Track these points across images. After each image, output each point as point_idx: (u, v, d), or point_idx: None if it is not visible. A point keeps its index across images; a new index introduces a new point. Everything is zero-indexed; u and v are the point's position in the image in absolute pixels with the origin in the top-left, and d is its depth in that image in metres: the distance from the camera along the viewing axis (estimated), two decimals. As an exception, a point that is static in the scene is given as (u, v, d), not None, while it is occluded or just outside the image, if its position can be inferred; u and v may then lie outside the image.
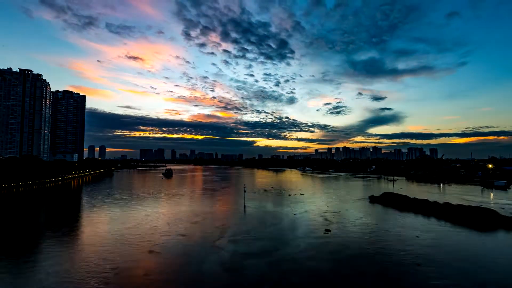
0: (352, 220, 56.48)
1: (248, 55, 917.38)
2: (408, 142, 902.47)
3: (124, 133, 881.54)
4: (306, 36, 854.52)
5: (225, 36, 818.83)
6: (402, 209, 68.32)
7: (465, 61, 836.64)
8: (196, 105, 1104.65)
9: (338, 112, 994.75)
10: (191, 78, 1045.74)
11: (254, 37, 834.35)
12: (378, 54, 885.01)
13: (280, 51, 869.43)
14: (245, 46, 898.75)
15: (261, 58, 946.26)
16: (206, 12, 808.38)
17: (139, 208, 70.35)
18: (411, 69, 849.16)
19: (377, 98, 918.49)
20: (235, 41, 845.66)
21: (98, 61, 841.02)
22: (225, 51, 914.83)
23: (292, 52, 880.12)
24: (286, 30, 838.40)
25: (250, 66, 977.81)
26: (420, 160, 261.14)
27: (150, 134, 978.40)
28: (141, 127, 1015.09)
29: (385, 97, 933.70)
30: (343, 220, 56.72)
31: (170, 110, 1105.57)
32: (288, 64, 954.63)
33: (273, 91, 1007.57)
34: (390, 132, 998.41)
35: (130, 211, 66.33)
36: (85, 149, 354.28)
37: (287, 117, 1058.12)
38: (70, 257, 34.60)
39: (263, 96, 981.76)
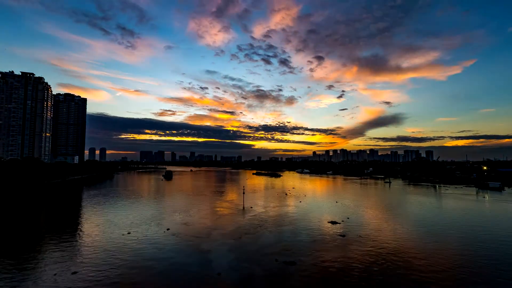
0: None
1: (254, 70, 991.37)
2: (405, 145, 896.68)
3: (127, 136, 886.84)
4: (305, 55, 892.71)
5: (233, 57, 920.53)
6: (260, 175, 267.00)
7: (473, 58, 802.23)
8: (195, 108, 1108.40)
9: (337, 115, 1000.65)
10: (192, 79, 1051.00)
11: (259, 57, 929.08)
12: (382, 50, 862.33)
13: (282, 68, 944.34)
14: (251, 64, 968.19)
15: (264, 72, 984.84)
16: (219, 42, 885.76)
17: (138, 211, 71.18)
18: (415, 66, 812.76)
19: (375, 101, 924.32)
20: (241, 61, 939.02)
21: (90, 59, 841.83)
22: (233, 69, 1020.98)
23: (293, 68, 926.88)
24: (286, 52, 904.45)
25: (254, 80, 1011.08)
26: (416, 162, 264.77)
27: (150, 137, 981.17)
28: (142, 130, 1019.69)
29: (384, 100, 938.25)
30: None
31: (166, 110, 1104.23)
32: (286, 77, 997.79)
33: (272, 90, 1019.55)
34: (388, 134, 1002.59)
35: (129, 213, 68.09)
36: (86, 151, 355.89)
37: (288, 122, 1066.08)
38: (69, 259, 35.35)
39: (263, 97, 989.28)
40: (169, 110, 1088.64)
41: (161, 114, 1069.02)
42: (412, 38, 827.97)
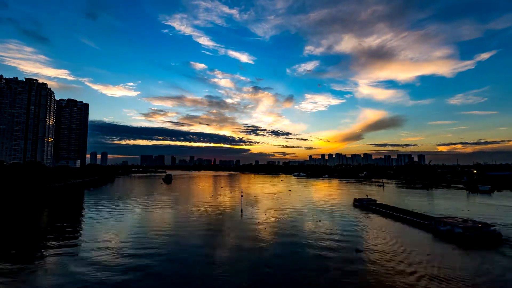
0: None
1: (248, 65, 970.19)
2: (398, 150, 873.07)
3: (126, 141, 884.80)
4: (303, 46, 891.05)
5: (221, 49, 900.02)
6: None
7: (492, 50, 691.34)
8: (188, 108, 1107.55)
9: (336, 117, 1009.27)
10: (179, 75, 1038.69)
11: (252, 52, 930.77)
12: (391, 38, 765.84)
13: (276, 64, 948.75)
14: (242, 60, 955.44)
15: (258, 68, 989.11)
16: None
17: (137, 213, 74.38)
18: (425, 60, 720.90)
19: (376, 102, 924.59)
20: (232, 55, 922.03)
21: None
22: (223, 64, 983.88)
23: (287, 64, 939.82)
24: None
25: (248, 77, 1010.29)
26: (409, 166, 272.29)
27: (150, 142, 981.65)
28: (143, 135, 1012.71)
29: (385, 102, 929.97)
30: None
31: (157, 110, 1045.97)
32: (281, 75, 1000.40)
33: (269, 88, 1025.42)
34: (385, 138, 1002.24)
35: (127, 215, 71.26)
36: (88, 155, 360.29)
37: (284, 125, 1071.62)
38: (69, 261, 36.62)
39: (258, 97, 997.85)
40: (161, 111, 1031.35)
41: (152, 115, 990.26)
42: (428, 24, 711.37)
